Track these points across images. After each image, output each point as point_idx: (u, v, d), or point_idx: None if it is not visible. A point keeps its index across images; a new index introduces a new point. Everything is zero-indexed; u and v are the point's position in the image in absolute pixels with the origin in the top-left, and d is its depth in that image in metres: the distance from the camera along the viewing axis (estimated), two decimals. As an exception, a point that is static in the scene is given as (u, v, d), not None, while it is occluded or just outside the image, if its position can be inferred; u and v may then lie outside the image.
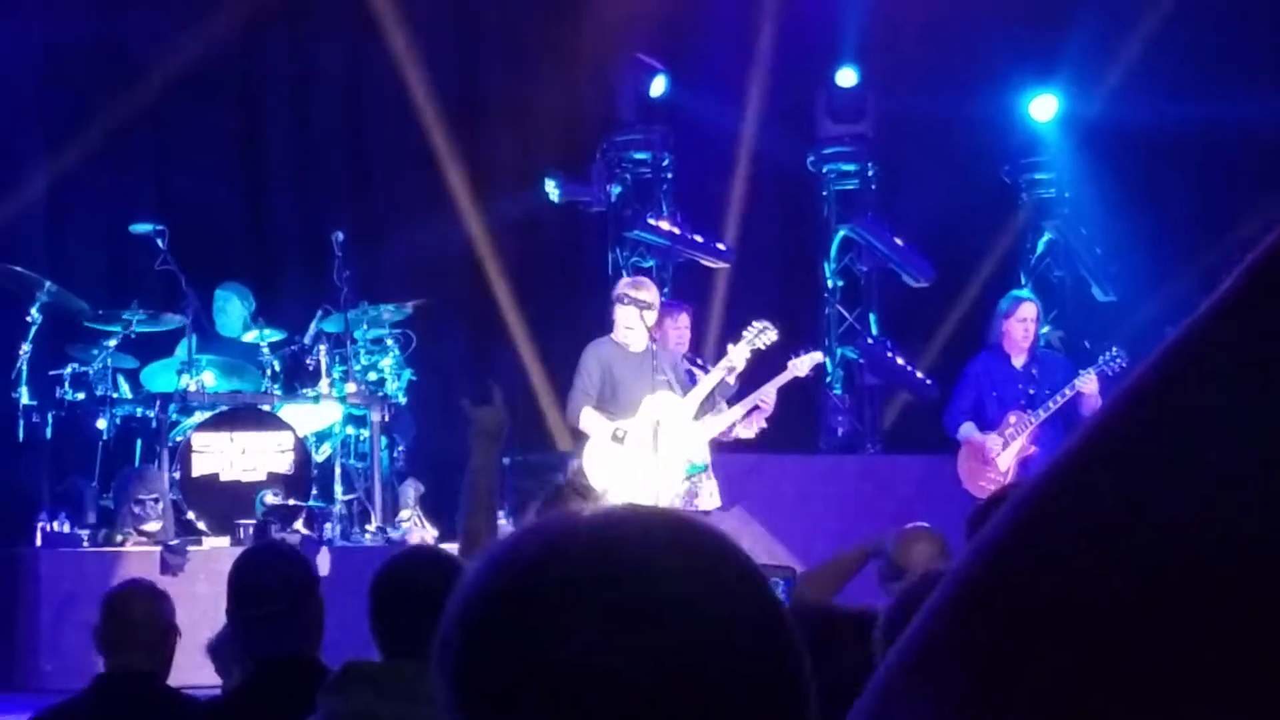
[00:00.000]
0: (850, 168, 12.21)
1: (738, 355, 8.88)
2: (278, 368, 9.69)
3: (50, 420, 9.35)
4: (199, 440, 9.39)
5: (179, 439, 9.42)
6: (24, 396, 9.34)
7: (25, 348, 9.34)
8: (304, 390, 9.67)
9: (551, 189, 11.70)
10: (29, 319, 9.36)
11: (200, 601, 7.02)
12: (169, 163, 11.62)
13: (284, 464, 9.43)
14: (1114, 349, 9.41)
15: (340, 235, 9.96)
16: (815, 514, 10.27)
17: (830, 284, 12.17)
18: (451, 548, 5.20)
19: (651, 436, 8.60)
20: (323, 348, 9.70)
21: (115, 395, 9.44)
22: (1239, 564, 0.71)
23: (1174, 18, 11.92)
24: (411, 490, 9.79)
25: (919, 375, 11.41)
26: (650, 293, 9.06)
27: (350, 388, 9.66)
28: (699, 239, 11.51)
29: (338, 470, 9.76)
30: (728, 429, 9.00)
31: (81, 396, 9.37)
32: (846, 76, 12.06)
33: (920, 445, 10.95)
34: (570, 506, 4.57)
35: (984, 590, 0.77)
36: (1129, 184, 12.03)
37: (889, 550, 5.06)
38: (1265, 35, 12.42)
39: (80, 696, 4.62)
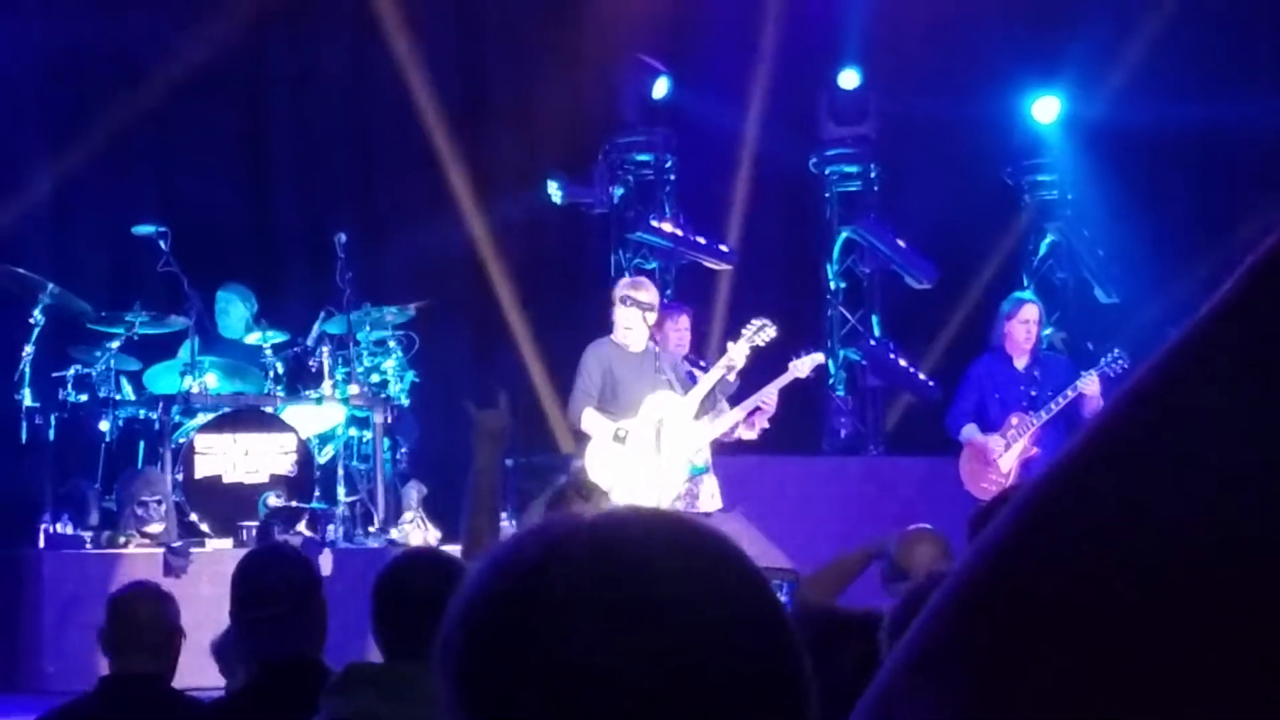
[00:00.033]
0: (853, 169, 12.21)
1: (737, 353, 8.87)
2: (280, 369, 9.68)
3: (53, 422, 9.34)
4: (202, 442, 9.39)
5: (182, 441, 9.41)
6: (27, 398, 9.32)
7: (28, 349, 9.33)
8: (307, 392, 9.66)
9: (554, 190, 11.69)
10: (32, 321, 9.35)
11: (203, 603, 7.01)
12: (171, 164, 11.62)
13: (287, 466, 9.43)
14: (1116, 350, 9.40)
15: (343, 236, 9.96)
16: (817, 515, 10.27)
17: (833, 286, 12.18)
18: (454, 549, 5.21)
19: (654, 436, 8.59)
20: (325, 349, 9.70)
21: (118, 397, 9.43)
22: (1240, 565, 0.71)
23: (1176, 20, 11.92)
24: (414, 492, 9.78)
25: (921, 377, 11.40)
26: (650, 293, 9.05)
27: (353, 389, 9.66)
28: (701, 240, 11.50)
29: (340, 472, 9.75)
30: (729, 430, 9.00)
31: (84, 398, 9.36)
32: (849, 78, 12.06)
33: (922, 447, 10.95)
34: (575, 506, 4.58)
35: (986, 591, 0.78)
36: (1131, 186, 12.03)
37: (891, 552, 5.06)
38: (1267, 37, 12.41)
39: (85, 698, 4.62)
